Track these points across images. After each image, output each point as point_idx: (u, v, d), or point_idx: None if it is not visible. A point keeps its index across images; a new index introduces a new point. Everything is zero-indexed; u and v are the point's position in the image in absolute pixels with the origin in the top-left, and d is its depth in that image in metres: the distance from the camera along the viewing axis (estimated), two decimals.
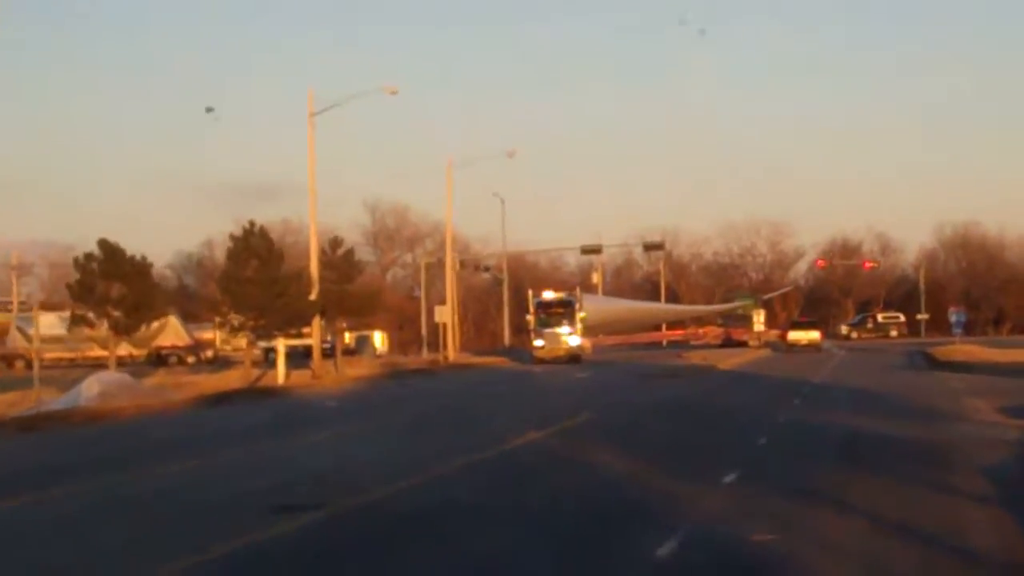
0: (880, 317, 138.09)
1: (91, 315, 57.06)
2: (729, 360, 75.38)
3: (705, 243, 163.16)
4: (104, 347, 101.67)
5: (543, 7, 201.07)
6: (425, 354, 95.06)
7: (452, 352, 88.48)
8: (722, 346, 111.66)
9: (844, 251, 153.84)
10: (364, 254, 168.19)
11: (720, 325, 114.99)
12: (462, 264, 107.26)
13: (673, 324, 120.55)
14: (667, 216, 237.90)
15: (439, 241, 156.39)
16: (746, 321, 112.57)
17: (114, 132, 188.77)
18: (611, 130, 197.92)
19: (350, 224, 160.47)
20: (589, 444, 27.87)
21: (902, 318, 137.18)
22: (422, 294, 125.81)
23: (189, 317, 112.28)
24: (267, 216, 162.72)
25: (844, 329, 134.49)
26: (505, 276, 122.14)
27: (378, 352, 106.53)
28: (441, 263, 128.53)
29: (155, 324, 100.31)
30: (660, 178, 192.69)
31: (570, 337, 78.96)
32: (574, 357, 78.24)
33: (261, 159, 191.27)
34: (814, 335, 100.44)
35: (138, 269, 55.72)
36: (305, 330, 67.83)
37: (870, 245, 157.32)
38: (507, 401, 46.17)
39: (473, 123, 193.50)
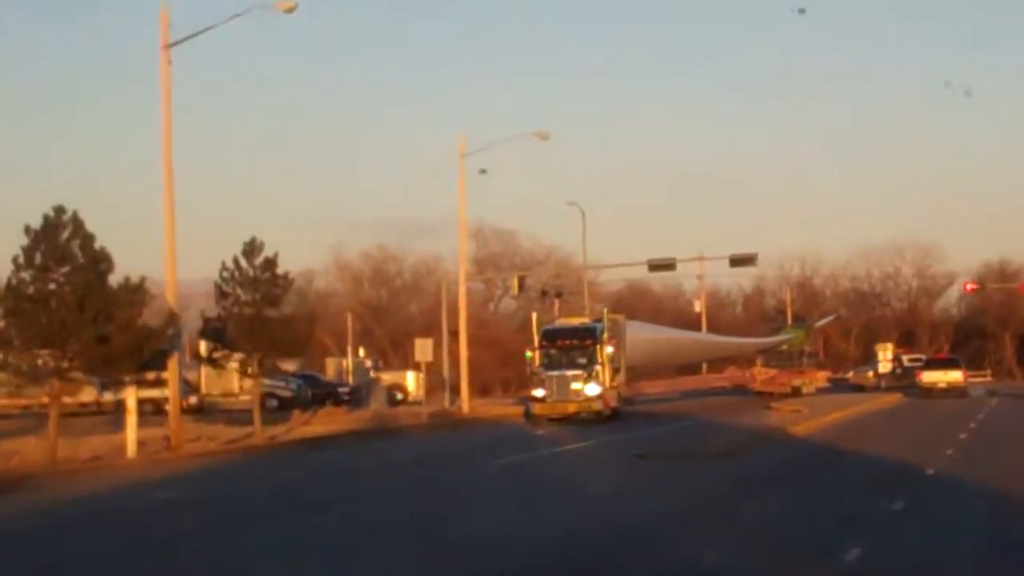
0: (906, 359, 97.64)
1: None
2: (825, 417, 49.09)
3: (842, 268, 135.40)
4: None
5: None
6: (447, 402, 69.95)
7: (464, 400, 63.39)
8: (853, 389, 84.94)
9: (1002, 276, 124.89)
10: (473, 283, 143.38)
11: (765, 365, 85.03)
12: (520, 286, 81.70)
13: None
14: (806, 239, 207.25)
15: (552, 269, 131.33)
16: (793, 360, 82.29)
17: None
18: (744, 148, 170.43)
19: (456, 252, 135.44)
20: None
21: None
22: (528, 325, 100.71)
23: None
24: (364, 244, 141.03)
25: (851, 375, 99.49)
26: (587, 301, 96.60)
27: (410, 397, 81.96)
28: (550, 292, 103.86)
29: None
30: (800, 198, 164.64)
31: (587, 384, 50.99)
32: (597, 412, 50.96)
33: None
34: (955, 376, 73.84)
35: None
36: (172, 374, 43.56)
37: None
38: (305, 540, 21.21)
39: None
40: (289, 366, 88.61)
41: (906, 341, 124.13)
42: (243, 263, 48.54)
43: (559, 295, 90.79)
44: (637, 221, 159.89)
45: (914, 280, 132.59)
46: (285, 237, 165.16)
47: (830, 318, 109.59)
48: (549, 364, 51.95)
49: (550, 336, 53.46)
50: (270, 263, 48.70)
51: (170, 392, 43.34)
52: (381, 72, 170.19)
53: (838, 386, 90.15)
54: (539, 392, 51.66)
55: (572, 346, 52.21)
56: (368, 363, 78.90)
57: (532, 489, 26.34)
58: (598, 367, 51.41)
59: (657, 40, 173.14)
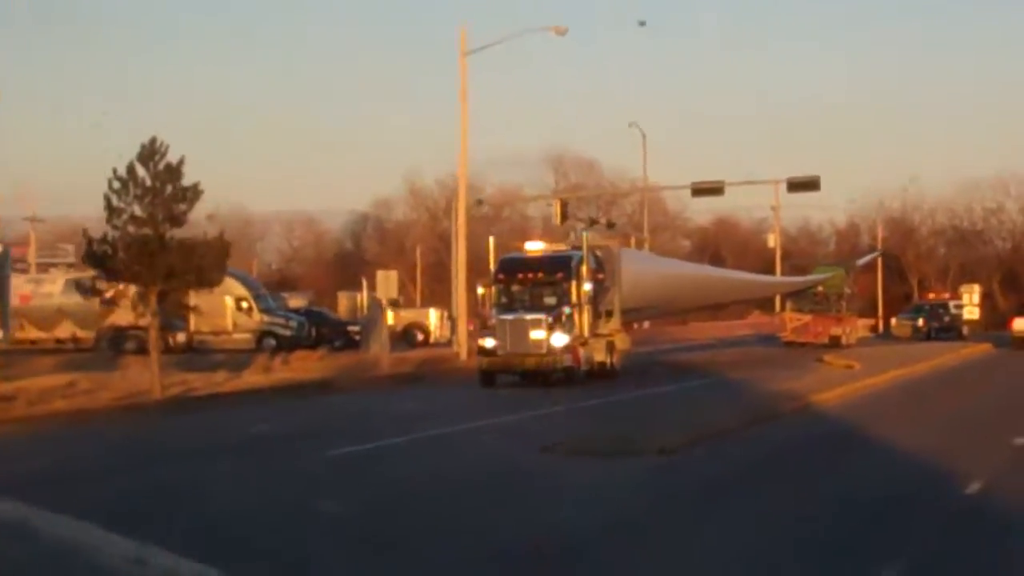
0: (952, 305, 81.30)
1: None
2: (873, 378, 37.33)
3: (943, 204, 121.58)
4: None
5: None
6: (456, 347, 58.68)
7: (462, 347, 52.37)
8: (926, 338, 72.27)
9: None
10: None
11: (796, 309, 68.91)
12: (563, 214, 69.99)
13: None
14: (909, 173, 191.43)
15: (640, 202, 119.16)
16: (830, 304, 68.54)
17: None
18: (846, 76, 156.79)
19: (535, 182, 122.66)
20: None
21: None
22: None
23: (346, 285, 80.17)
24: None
25: (894, 322, 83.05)
26: (646, 233, 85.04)
27: (433, 338, 71.26)
28: (600, 221, 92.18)
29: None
30: (904, 130, 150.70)
31: (553, 333, 36.82)
32: (567, 369, 37.16)
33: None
34: None
35: None
36: None
37: None
38: None
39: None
40: (297, 301, 78.59)
41: (1009, 282, 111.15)
42: (139, 171, 37.82)
43: (611, 225, 78.75)
44: (728, 148, 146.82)
45: (1019, 216, 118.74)
46: (360, 164, 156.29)
47: (873, 255, 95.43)
48: (505, 305, 38.25)
49: (509, 268, 39.24)
50: (173, 171, 37.83)
51: None
52: None
53: (883, 336, 76.88)
54: (489, 342, 37.55)
55: (537, 281, 38.42)
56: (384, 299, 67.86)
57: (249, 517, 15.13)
58: (568, 310, 37.62)
59: None
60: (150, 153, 37.79)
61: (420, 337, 70.75)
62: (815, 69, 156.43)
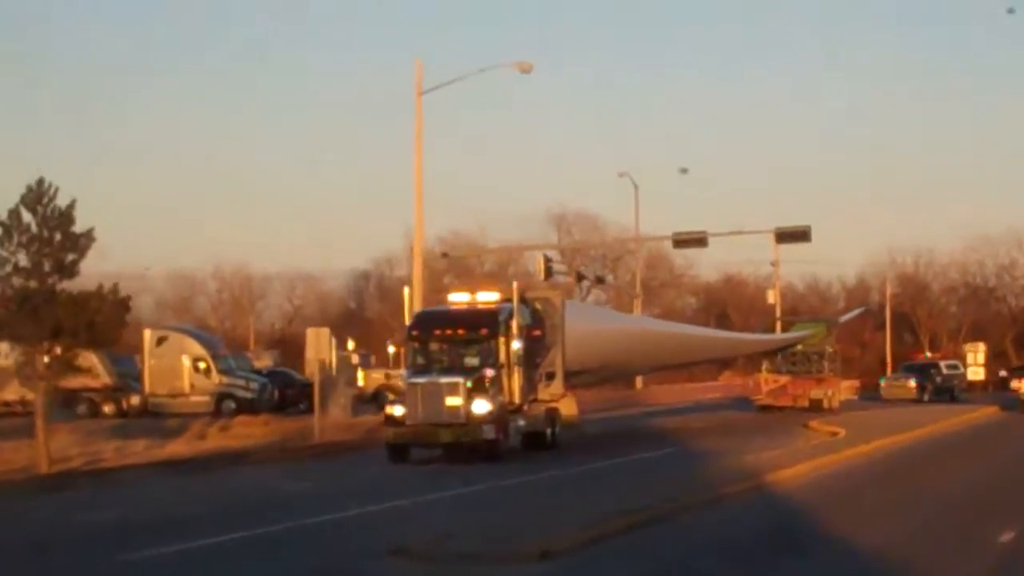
0: (944, 365, 76.60)
1: None
2: (854, 448, 32.33)
3: (955, 261, 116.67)
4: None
5: None
6: None
7: None
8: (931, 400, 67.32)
9: None
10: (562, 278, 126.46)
11: (772, 370, 60.73)
12: (546, 271, 65.35)
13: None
14: (919, 229, 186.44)
15: (647, 259, 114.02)
16: (811, 364, 63.60)
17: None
18: (854, 130, 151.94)
19: (540, 239, 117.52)
20: None
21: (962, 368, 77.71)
22: None
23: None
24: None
25: (883, 384, 76.22)
26: (639, 289, 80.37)
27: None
28: (588, 277, 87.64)
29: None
30: (912, 188, 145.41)
31: (474, 399, 31.31)
32: (490, 443, 31.50)
33: None
34: None
35: None
36: None
37: None
38: None
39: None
40: (264, 361, 73.83)
41: (1022, 340, 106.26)
42: (25, 216, 33.37)
43: (601, 280, 74.14)
44: (734, 202, 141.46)
45: None
46: (363, 222, 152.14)
47: (857, 311, 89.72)
48: (421, 367, 32.79)
49: (424, 323, 33.85)
50: (63, 216, 33.40)
51: None
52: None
53: (872, 398, 70.95)
54: (397, 410, 32.09)
55: (457, 338, 33.05)
56: (355, 358, 62.85)
57: None
58: (492, 372, 32.01)
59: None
60: (37, 196, 33.42)
61: (392, 397, 65.88)
62: (819, 122, 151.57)
